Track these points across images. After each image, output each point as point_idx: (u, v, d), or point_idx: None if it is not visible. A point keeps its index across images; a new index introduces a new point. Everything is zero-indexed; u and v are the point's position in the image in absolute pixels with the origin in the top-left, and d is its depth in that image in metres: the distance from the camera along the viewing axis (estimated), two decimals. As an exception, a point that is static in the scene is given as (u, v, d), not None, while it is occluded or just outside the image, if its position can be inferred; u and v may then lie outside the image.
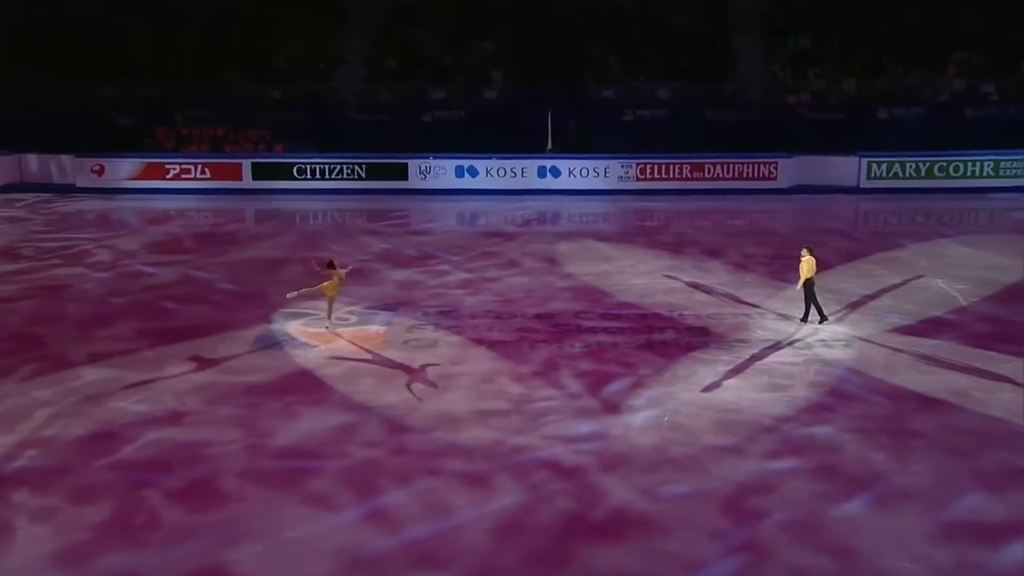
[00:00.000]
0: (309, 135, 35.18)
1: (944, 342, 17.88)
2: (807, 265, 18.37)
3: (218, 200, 32.13)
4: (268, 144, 35.38)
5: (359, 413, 14.96)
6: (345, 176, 33.21)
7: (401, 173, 33.19)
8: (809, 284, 18.44)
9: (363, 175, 33.20)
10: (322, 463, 13.44)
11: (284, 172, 33.35)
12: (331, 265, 18.48)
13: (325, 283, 18.22)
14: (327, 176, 33.21)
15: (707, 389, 15.86)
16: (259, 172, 33.43)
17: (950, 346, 17.67)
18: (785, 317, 19.19)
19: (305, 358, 17.20)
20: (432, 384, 16.09)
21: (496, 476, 13.10)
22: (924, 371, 16.55)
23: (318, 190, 32.87)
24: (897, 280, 21.76)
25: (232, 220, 29.98)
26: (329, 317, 18.46)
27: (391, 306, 20.16)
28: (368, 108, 36.70)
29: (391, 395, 15.62)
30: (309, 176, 33.22)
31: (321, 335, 18.33)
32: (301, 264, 23.58)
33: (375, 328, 18.85)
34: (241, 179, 33.40)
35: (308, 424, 14.58)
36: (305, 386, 15.97)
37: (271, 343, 18.06)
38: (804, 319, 18.68)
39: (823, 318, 18.61)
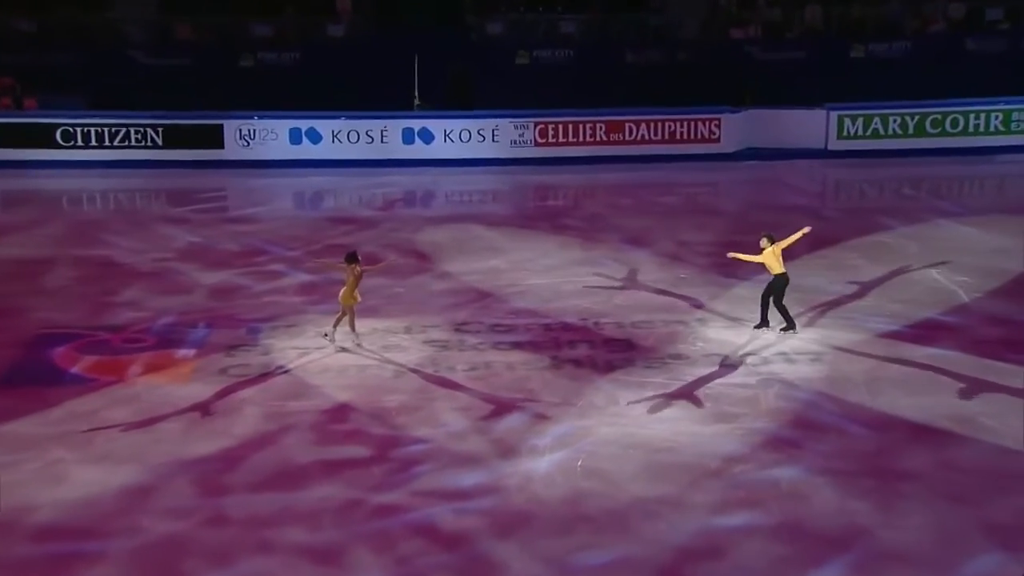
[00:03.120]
0: (78, 86, 34.31)
1: (941, 351, 18.42)
2: (771, 257, 18.61)
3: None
4: (15, 98, 34.31)
5: (158, 470, 14.68)
6: (133, 143, 32.51)
7: (214, 138, 32.65)
8: (780, 283, 18.75)
9: (159, 142, 32.55)
10: (104, 544, 13.14)
11: (42, 137, 32.42)
12: (352, 259, 18.25)
13: (344, 288, 18.13)
14: (107, 143, 32.44)
15: (633, 422, 16.02)
16: (4, 137, 32.48)
17: (949, 357, 18.20)
18: (734, 322, 19.54)
19: (81, 397, 16.83)
20: (262, 425, 15.91)
21: (352, 548, 13.01)
22: (916, 391, 17.02)
23: (94, 162, 32.09)
24: (879, 272, 22.34)
25: (-31, 206, 29.22)
26: (354, 330, 18.44)
27: (202, 321, 19.91)
28: (164, 49, 35.98)
29: (203, 443, 15.39)
30: (80, 143, 32.40)
31: (102, 364, 18.01)
32: (73, 266, 23.07)
33: (181, 352, 18.57)
34: (-25, 147, 32.46)
35: (83, 489, 14.24)
36: (79, 436, 15.62)
37: (29, 378, 17.65)
38: (761, 325, 19.04)
39: (790, 325, 18.96)
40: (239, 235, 25.48)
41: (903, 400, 16.66)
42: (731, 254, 19.45)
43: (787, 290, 18.81)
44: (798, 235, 19.14)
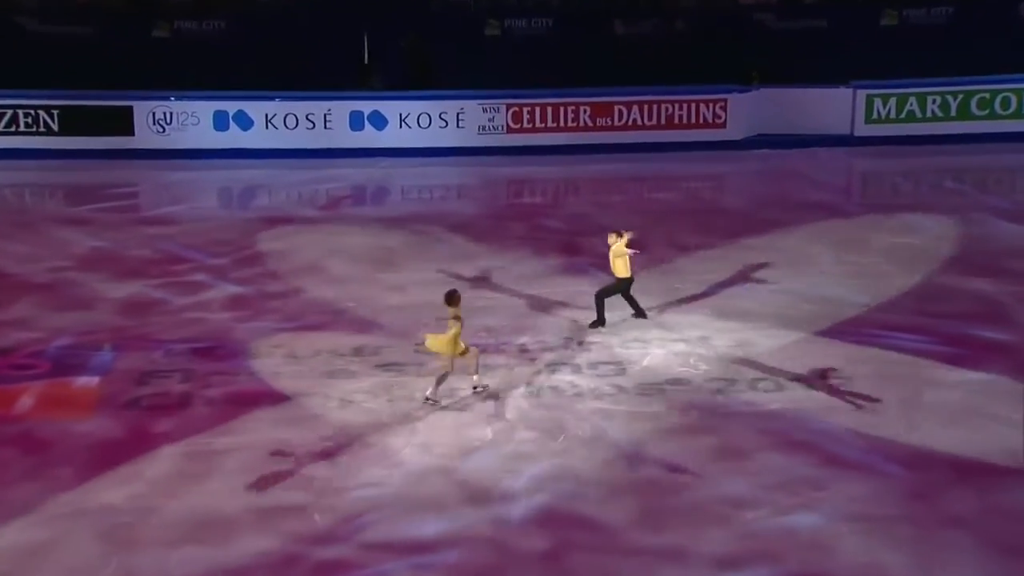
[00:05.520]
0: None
1: (989, 376, 18.53)
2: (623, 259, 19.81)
3: None
4: None
5: (55, 523, 14.62)
6: (23, 129, 32.42)
7: (122, 124, 32.58)
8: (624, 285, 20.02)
9: (55, 127, 32.47)
10: (-2, 606, 13.12)
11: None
12: (452, 300, 17.51)
13: (445, 336, 17.37)
14: (-8, 129, 32.47)
15: (625, 458, 16.10)
16: None
17: (998, 381, 18.32)
18: (743, 342, 19.64)
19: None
20: (182, 466, 15.88)
21: (289, 614, 13.03)
22: (960, 422, 17.11)
23: (-26, 152, 32.08)
24: (915, 281, 22.49)
25: None
26: (436, 385, 17.66)
27: (108, 343, 19.88)
28: (60, 15, 35.85)
29: (110, 490, 15.34)
30: (-42, 129, 32.41)
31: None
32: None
33: (81, 380, 18.55)
34: None
35: (-28, 542, 14.18)
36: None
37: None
38: (596, 323, 20.18)
39: (599, 321, 20.15)
40: (153, 239, 25.41)
41: (944, 432, 16.75)
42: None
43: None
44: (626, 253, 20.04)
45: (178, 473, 15.75)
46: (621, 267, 19.88)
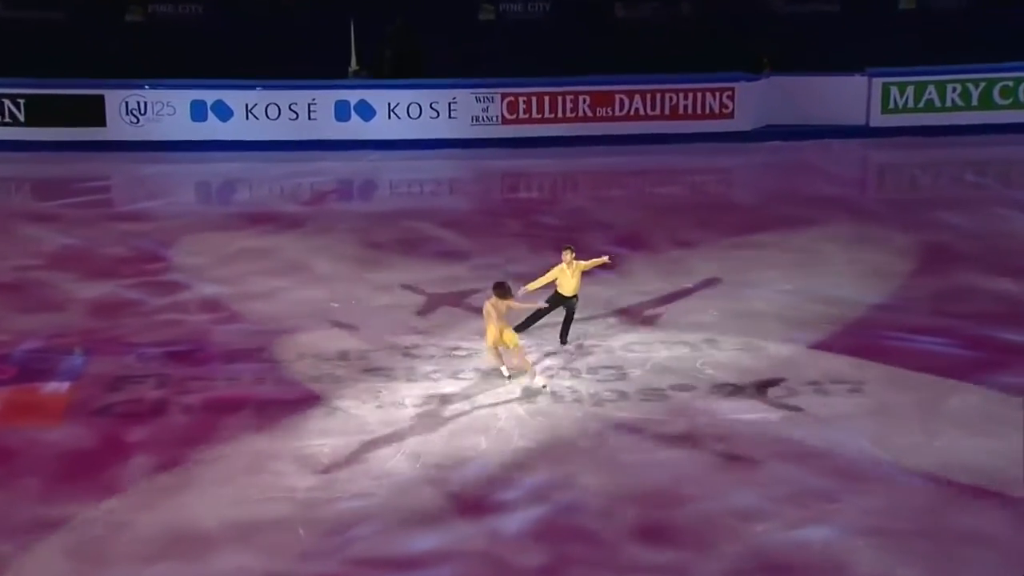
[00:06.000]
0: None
1: (1012, 381, 18.53)
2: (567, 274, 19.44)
3: None
4: None
5: (20, 537, 14.62)
6: (-11, 119, 32.50)
7: (93, 114, 32.53)
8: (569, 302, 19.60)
9: (21, 118, 32.43)
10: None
11: None
12: (501, 291, 18.06)
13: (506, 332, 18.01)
14: (-47, 120, 32.45)
15: (626, 469, 16.08)
16: None
17: (1022, 386, 18.28)
18: (751, 346, 19.65)
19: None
20: (156, 477, 15.88)
21: (271, 633, 13.05)
22: (981, 431, 17.10)
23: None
24: (933, 280, 22.52)
25: None
26: (526, 369, 18.31)
27: (78, 346, 19.87)
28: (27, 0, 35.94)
29: (80, 502, 15.30)
30: (-83, 120, 32.39)
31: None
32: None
33: (50, 386, 18.54)
34: None
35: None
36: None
37: None
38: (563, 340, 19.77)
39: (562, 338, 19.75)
40: (127, 236, 25.40)
41: (965, 443, 16.75)
42: (526, 288, 19.64)
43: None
44: (597, 262, 19.90)
45: (152, 485, 15.75)
46: (574, 285, 19.51)
